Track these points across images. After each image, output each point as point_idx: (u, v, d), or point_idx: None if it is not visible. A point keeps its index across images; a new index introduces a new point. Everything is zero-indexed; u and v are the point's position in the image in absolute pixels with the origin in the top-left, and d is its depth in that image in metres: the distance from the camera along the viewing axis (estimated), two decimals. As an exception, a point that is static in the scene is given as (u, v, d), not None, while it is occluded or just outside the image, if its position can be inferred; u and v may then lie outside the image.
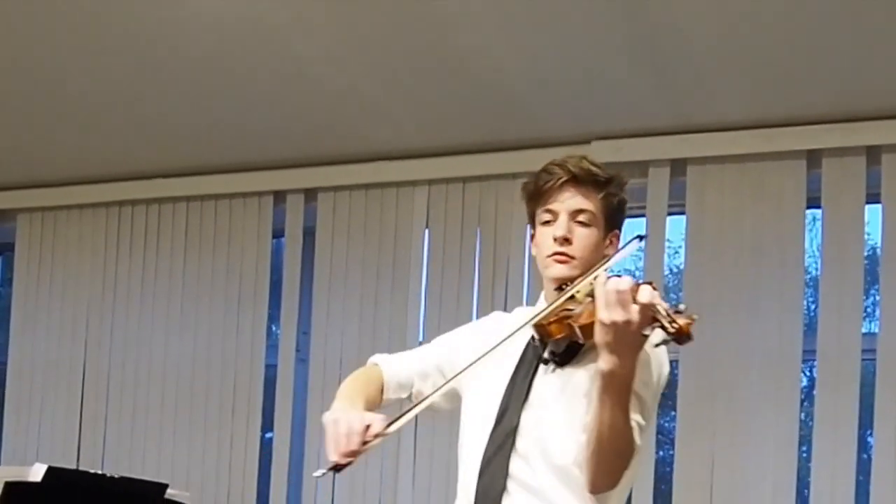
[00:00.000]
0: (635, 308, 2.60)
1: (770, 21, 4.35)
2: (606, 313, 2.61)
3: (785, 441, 5.03)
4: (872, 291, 5.25)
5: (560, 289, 2.93)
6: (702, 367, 5.18)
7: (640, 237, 2.93)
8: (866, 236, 5.15)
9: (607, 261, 2.90)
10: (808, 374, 5.26)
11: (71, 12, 4.60)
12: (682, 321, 2.58)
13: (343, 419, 2.79)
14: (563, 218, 2.95)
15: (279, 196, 6.10)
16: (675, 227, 5.45)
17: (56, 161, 6.15)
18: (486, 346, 2.94)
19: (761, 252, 5.18)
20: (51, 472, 3.35)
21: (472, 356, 2.95)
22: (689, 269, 5.31)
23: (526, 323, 2.87)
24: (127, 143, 5.85)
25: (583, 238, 2.95)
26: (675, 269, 5.68)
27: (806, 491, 5.09)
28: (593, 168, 2.99)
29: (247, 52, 4.85)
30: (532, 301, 3.28)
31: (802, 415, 5.09)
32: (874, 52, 4.51)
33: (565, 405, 2.86)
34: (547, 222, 2.98)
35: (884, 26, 4.32)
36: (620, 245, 3.00)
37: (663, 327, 2.60)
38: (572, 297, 2.83)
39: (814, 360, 5.11)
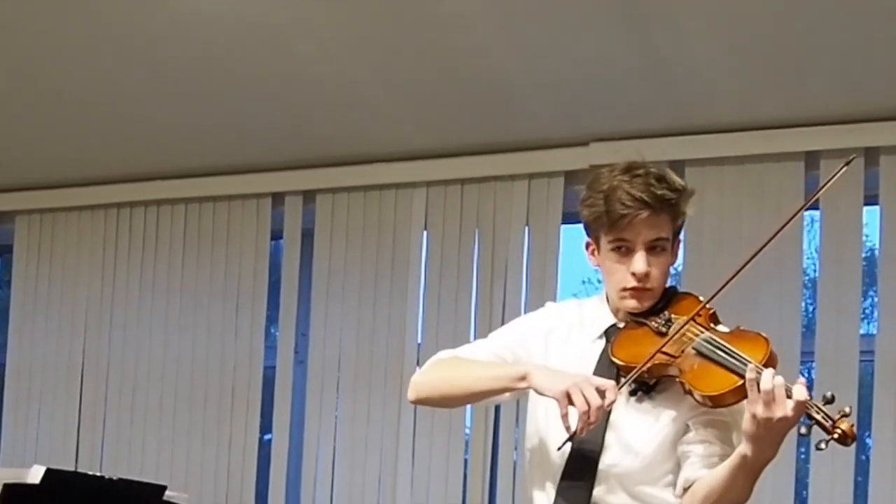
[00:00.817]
0: (790, 405, 2.57)
1: (768, 22, 4.35)
2: (763, 411, 2.57)
3: (783, 443, 5.02)
4: (871, 293, 5.25)
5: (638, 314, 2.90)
6: (700, 368, 5.18)
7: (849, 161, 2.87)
8: (864, 238, 5.15)
9: (719, 290, 2.90)
10: (806, 375, 5.26)
11: (69, 13, 4.60)
12: (844, 426, 2.56)
13: (585, 385, 2.67)
14: (640, 252, 2.86)
15: (278, 198, 6.10)
16: (675, 227, 5.45)
17: (55, 163, 6.15)
18: (556, 349, 2.92)
19: (759, 253, 5.17)
20: (49, 473, 3.34)
21: (546, 359, 2.90)
22: (688, 269, 5.30)
23: (629, 378, 2.77)
24: (125, 145, 5.85)
25: (660, 267, 2.90)
26: (673, 270, 5.64)
27: (804, 492, 5.09)
28: (669, 193, 2.88)
29: (245, 53, 4.85)
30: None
31: (801, 416, 5.09)
32: (872, 54, 4.51)
33: (654, 433, 2.82)
34: (618, 249, 2.89)
35: (882, 28, 4.33)
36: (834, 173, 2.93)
37: (825, 430, 2.58)
38: (664, 331, 2.81)
39: (812, 361, 5.11)
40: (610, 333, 2.95)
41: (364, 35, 4.66)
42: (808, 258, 5.27)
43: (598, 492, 2.83)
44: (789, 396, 2.58)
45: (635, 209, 2.83)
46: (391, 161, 5.74)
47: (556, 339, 3.02)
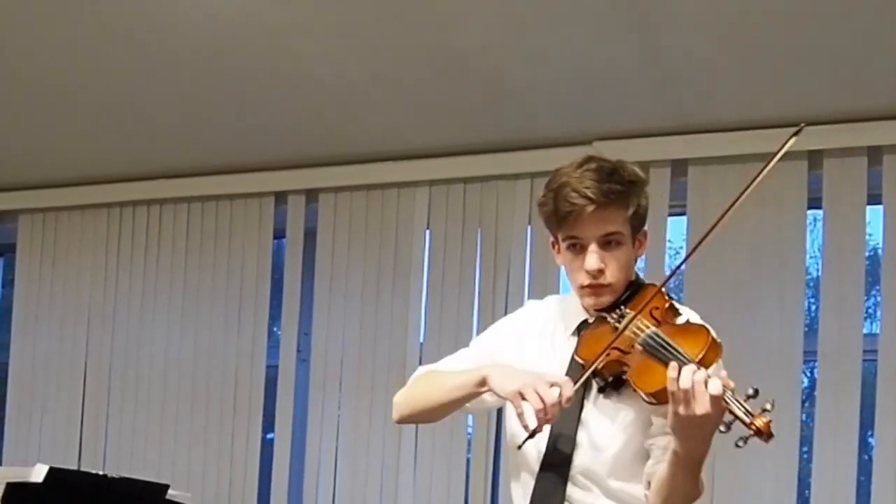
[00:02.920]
0: (707, 400, 2.53)
1: (770, 21, 4.35)
2: (684, 408, 2.55)
3: (786, 441, 5.02)
4: (873, 292, 5.25)
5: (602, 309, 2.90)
6: (703, 367, 5.18)
7: (798, 131, 2.85)
8: (867, 237, 5.15)
9: (673, 273, 2.88)
10: (808, 374, 5.26)
11: (72, 13, 4.60)
12: (759, 422, 2.53)
13: (540, 384, 2.67)
14: (592, 248, 2.85)
15: (280, 197, 6.11)
16: (677, 227, 5.46)
17: (57, 162, 6.16)
18: (532, 356, 2.92)
19: (762, 253, 5.18)
20: (52, 472, 3.35)
21: (520, 361, 2.91)
22: (691, 269, 5.30)
23: (586, 374, 2.77)
24: (128, 144, 5.86)
25: (615, 261, 2.88)
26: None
27: (807, 492, 5.09)
28: (615, 187, 2.85)
29: (247, 52, 4.85)
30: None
31: (803, 415, 5.10)
32: (875, 53, 4.51)
33: (615, 431, 2.82)
34: (573, 247, 2.89)
35: (884, 26, 4.32)
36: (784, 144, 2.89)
37: (745, 425, 2.55)
38: (618, 327, 2.80)
39: (815, 360, 5.12)
40: (581, 329, 2.96)
41: (366, 35, 4.66)
42: (810, 257, 5.27)
43: (571, 489, 2.84)
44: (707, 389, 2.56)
45: (580, 205, 2.81)
46: (394, 160, 5.75)
47: (529, 340, 3.03)
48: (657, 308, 2.85)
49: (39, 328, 6.53)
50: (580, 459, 2.84)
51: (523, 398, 2.69)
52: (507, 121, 5.31)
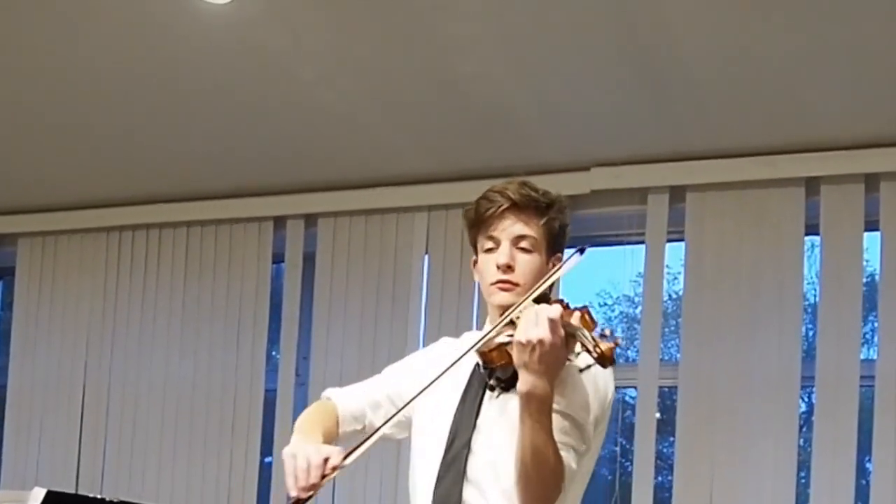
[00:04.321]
0: (547, 327, 2.62)
1: (768, 49, 4.37)
2: (522, 333, 2.64)
3: (784, 466, 5.03)
4: (871, 318, 5.26)
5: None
6: (700, 392, 5.20)
7: (581, 250, 2.86)
8: (865, 263, 5.17)
9: (545, 281, 2.89)
10: (806, 399, 5.27)
11: (71, 41, 4.62)
12: (604, 346, 2.60)
13: (301, 453, 2.77)
14: (505, 245, 2.94)
15: (279, 221, 6.12)
16: (675, 253, 5.47)
17: (57, 186, 6.17)
18: (434, 373, 2.93)
19: (760, 278, 5.19)
20: (50, 496, 3.35)
21: (421, 384, 2.94)
22: (689, 295, 5.32)
23: (466, 351, 2.86)
24: (127, 169, 5.87)
25: (525, 264, 2.94)
26: (674, 296, 5.69)
27: (805, 517, 5.10)
28: (533, 194, 2.96)
29: (247, 78, 4.87)
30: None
31: (801, 440, 5.10)
32: (872, 80, 4.53)
33: (509, 429, 2.82)
34: (489, 249, 2.98)
35: (882, 54, 4.34)
36: (563, 259, 2.96)
37: (588, 351, 2.63)
38: (512, 322, 2.82)
39: (812, 386, 5.12)
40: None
41: (365, 60, 4.68)
42: (808, 283, 5.27)
43: (467, 493, 2.87)
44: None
45: (498, 203, 2.94)
46: (392, 185, 5.76)
47: (439, 360, 3.05)
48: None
49: (38, 351, 6.53)
50: (474, 462, 2.88)
51: (294, 459, 2.78)
52: (506, 146, 5.32)
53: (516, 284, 2.93)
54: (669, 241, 5.40)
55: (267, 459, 6.05)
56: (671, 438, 5.39)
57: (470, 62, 4.63)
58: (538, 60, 4.59)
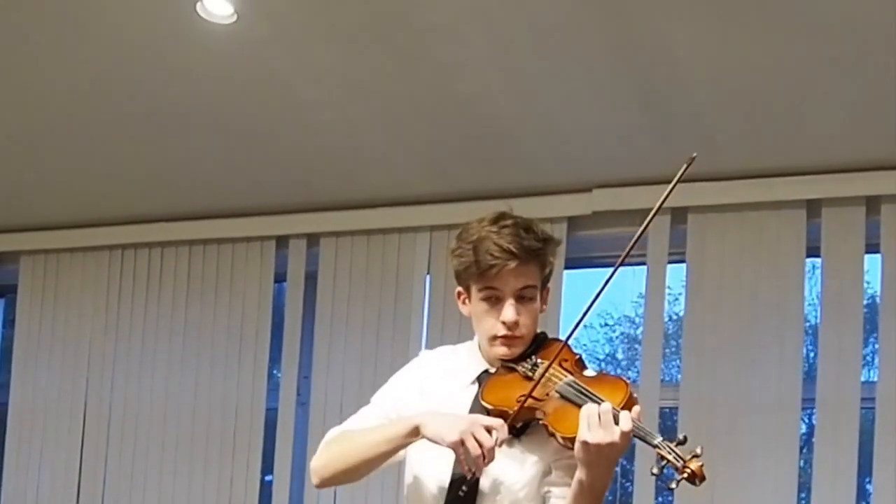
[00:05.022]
0: (617, 431, 2.60)
1: (769, 71, 4.38)
2: (590, 434, 2.61)
3: (784, 488, 5.03)
4: (871, 340, 5.26)
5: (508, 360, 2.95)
6: (701, 414, 5.20)
7: (692, 159, 2.88)
8: (865, 285, 5.17)
9: (568, 340, 2.88)
10: (807, 421, 5.27)
11: (74, 58, 4.64)
12: (694, 465, 2.58)
13: (475, 428, 2.73)
14: (510, 302, 2.90)
15: (281, 241, 6.12)
16: (676, 274, 5.48)
17: (59, 204, 6.18)
18: (434, 397, 2.97)
19: (761, 300, 5.20)
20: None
21: (424, 392, 2.98)
22: (689, 316, 5.33)
23: (512, 417, 2.81)
24: (130, 187, 5.89)
25: (528, 315, 2.93)
26: (675, 317, 5.69)
27: (805, 539, 5.10)
28: (535, 244, 2.91)
29: (250, 98, 4.89)
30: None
31: (801, 462, 5.10)
32: (873, 104, 4.54)
33: (522, 472, 2.85)
34: (488, 298, 2.94)
35: (883, 77, 4.36)
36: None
37: (676, 469, 2.59)
38: (531, 376, 2.84)
39: (813, 408, 5.12)
40: (482, 379, 2.99)
41: (368, 81, 4.70)
42: (809, 305, 5.28)
43: None
44: (617, 424, 2.62)
45: (503, 259, 2.86)
46: (395, 205, 5.77)
47: (430, 385, 3.07)
48: (566, 360, 2.90)
49: (39, 369, 6.53)
50: (484, 501, 2.87)
51: (463, 444, 2.74)
52: (508, 168, 5.34)
53: (520, 337, 2.93)
54: (670, 262, 5.41)
55: (267, 478, 6.05)
56: (671, 459, 5.38)
57: (472, 84, 4.65)
58: (540, 82, 4.61)
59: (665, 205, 5.42)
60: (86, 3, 4.29)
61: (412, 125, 5.05)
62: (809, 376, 5.19)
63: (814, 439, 5.12)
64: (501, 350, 2.95)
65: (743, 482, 5.09)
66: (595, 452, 2.62)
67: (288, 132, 5.17)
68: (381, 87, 4.75)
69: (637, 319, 5.71)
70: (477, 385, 2.98)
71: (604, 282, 2.87)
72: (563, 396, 2.78)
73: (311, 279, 6.07)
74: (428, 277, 5.81)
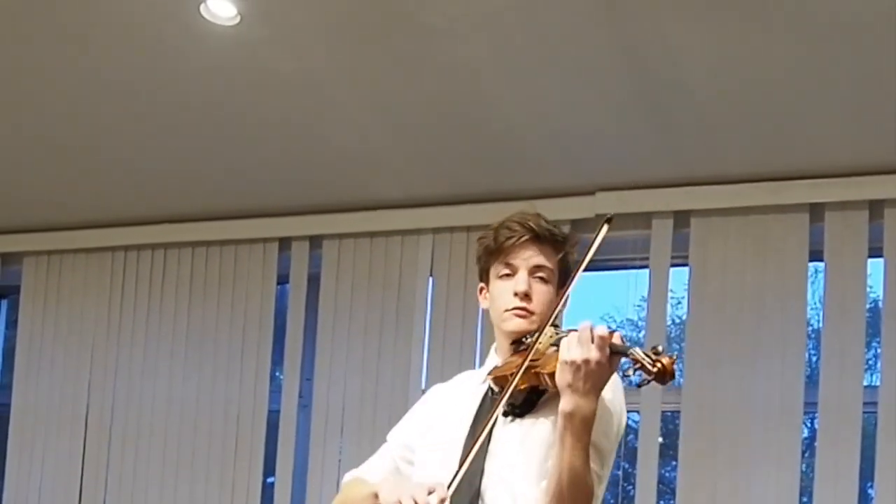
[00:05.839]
0: (594, 346, 2.63)
1: (772, 75, 4.38)
2: (568, 353, 2.66)
3: (786, 492, 5.03)
4: (874, 344, 5.26)
5: (517, 342, 2.96)
6: (703, 417, 5.20)
7: (609, 220, 2.96)
8: (868, 289, 5.17)
9: (563, 304, 2.93)
10: (809, 425, 5.27)
11: (76, 59, 4.64)
12: (665, 359, 2.58)
13: (416, 490, 2.77)
14: (523, 274, 2.98)
15: (284, 243, 6.12)
16: (678, 278, 5.47)
17: (62, 205, 6.18)
18: (438, 409, 3.04)
19: (763, 304, 5.20)
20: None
21: (428, 426, 3.02)
22: (692, 320, 5.32)
23: (511, 379, 2.84)
24: (133, 188, 5.88)
25: (541, 294, 2.98)
26: (677, 320, 5.69)
27: (807, 545, 5.10)
28: (553, 228, 3.03)
29: (253, 101, 4.89)
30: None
31: (803, 466, 5.10)
32: (877, 108, 4.54)
33: (527, 454, 2.86)
34: (505, 276, 3.02)
35: (887, 81, 4.36)
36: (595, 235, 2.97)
37: (644, 368, 2.60)
38: (529, 347, 2.85)
39: (815, 412, 5.13)
40: (492, 371, 3.04)
41: (371, 84, 4.70)
42: (812, 309, 5.28)
43: None
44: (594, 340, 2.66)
45: (519, 233, 3.00)
46: (397, 208, 5.77)
47: (437, 402, 3.14)
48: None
49: (42, 370, 6.53)
50: (490, 485, 2.88)
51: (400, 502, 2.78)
52: (512, 170, 5.33)
53: (532, 312, 2.97)
54: (673, 265, 5.41)
55: (269, 480, 6.05)
56: (673, 463, 5.38)
57: (476, 87, 4.65)
58: (544, 85, 4.61)
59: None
60: (89, 4, 4.29)
61: (416, 128, 5.05)
62: (812, 380, 5.19)
63: (816, 443, 5.12)
64: (515, 323, 2.99)
65: (745, 486, 5.09)
66: (573, 371, 2.65)
67: (291, 134, 5.17)
68: (384, 90, 4.75)
69: (640, 323, 5.71)
70: (490, 379, 3.01)
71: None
72: (554, 345, 2.81)
73: (313, 281, 6.07)
74: (430, 280, 5.81)
